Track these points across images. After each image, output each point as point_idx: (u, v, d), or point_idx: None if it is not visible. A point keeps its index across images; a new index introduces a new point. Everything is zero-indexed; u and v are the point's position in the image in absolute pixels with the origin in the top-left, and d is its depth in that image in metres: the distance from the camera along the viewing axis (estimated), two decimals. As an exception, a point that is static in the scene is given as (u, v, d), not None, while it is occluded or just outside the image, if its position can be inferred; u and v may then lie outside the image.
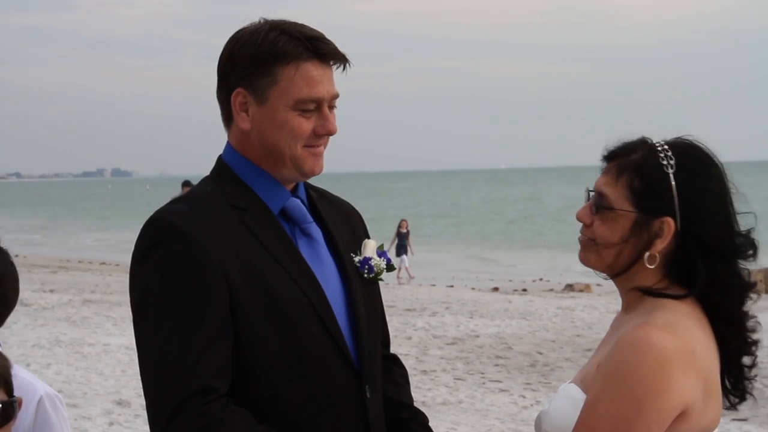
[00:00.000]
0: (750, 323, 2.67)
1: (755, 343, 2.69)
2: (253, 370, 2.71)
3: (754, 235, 2.68)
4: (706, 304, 2.61)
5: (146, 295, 2.70)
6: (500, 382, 13.09)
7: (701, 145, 2.68)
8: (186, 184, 21.24)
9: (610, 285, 2.83)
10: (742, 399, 2.73)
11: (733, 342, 2.64)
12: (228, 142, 2.90)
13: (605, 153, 2.71)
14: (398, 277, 31.05)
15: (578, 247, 2.72)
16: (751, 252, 2.67)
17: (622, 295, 2.72)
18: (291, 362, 2.73)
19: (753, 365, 2.70)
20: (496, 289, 27.58)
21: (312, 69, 2.78)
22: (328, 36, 2.85)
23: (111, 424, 10.06)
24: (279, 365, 2.72)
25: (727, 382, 2.69)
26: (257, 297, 2.70)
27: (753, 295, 2.67)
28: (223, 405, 2.63)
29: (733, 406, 2.73)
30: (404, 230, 32.43)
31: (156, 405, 2.65)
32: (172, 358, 2.63)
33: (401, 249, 32.00)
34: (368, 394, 2.83)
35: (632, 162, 2.65)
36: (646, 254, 2.62)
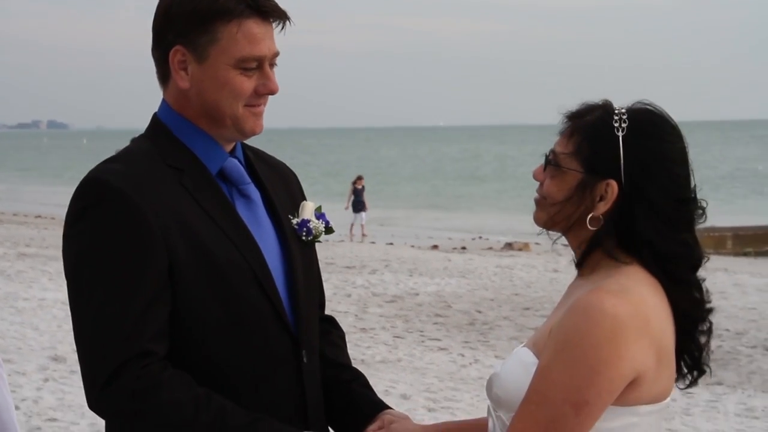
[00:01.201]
0: (702, 295, 2.65)
1: (709, 311, 2.67)
2: (190, 334, 2.66)
3: (700, 196, 2.65)
4: (657, 271, 2.58)
5: (81, 257, 2.63)
6: (439, 340, 13.15)
7: (660, 110, 2.66)
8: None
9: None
10: (701, 373, 2.70)
11: (687, 310, 2.62)
12: (164, 100, 2.82)
13: (565, 114, 2.69)
14: (362, 234, 31.04)
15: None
16: (700, 213, 2.65)
17: (576, 256, 2.69)
18: (229, 326, 2.68)
19: (708, 338, 2.68)
20: (435, 247, 27.68)
21: (254, 26, 2.72)
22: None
23: (46, 380, 9.95)
24: (217, 329, 2.68)
25: (686, 358, 2.67)
26: (196, 259, 2.65)
27: (703, 260, 2.64)
28: (161, 368, 2.58)
29: (693, 382, 2.70)
30: (359, 187, 32.26)
31: (92, 370, 2.59)
32: (109, 322, 2.57)
33: (358, 206, 31.83)
34: (305, 359, 2.81)
35: (585, 123, 2.64)
36: (589, 215, 2.60)
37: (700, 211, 2.65)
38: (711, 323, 2.68)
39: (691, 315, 2.62)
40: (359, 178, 32.95)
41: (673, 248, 2.57)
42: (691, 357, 2.67)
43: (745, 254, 27.46)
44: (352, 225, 31.32)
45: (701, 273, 2.65)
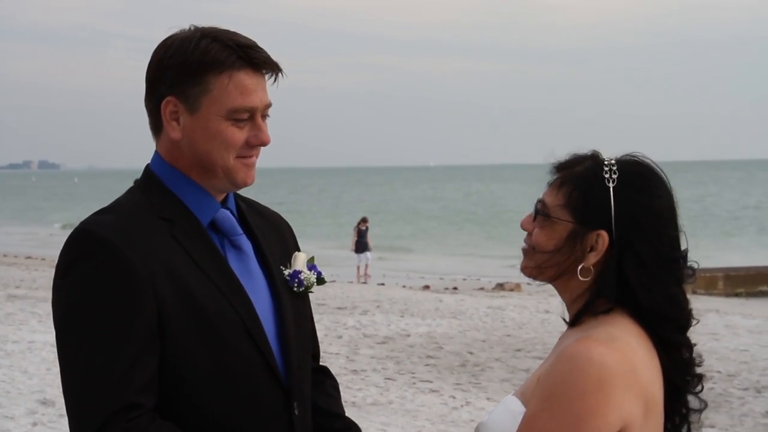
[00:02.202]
0: (692, 354, 2.62)
1: (699, 378, 2.64)
2: (180, 386, 2.64)
3: (689, 256, 2.64)
4: (645, 326, 2.57)
5: (70, 308, 2.61)
6: (431, 382, 13.09)
7: (650, 163, 2.66)
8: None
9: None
10: None
11: (674, 373, 2.60)
12: (156, 152, 2.83)
13: (554, 165, 2.68)
14: (365, 275, 31.11)
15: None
16: (690, 273, 2.64)
17: (567, 308, 2.68)
18: (219, 378, 2.67)
19: (700, 410, 2.65)
20: (426, 287, 27.64)
21: (245, 78, 2.72)
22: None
23: (35, 424, 9.87)
24: (206, 381, 2.66)
25: (669, 427, 2.64)
26: (185, 311, 2.64)
27: (692, 321, 2.62)
28: (148, 420, 2.57)
29: None
30: (363, 228, 32.36)
31: (80, 422, 2.57)
32: (97, 374, 2.55)
33: (362, 246, 31.92)
34: (296, 411, 2.79)
35: (575, 174, 2.64)
36: (580, 266, 2.59)
37: (690, 272, 2.64)
38: (701, 389, 2.64)
39: (677, 380, 2.60)
40: (363, 219, 33.03)
41: (660, 306, 2.56)
42: (673, 424, 2.65)
43: (737, 295, 27.42)
44: (358, 267, 31.45)
45: (688, 336, 2.62)
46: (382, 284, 28.52)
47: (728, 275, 29.01)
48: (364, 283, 29.45)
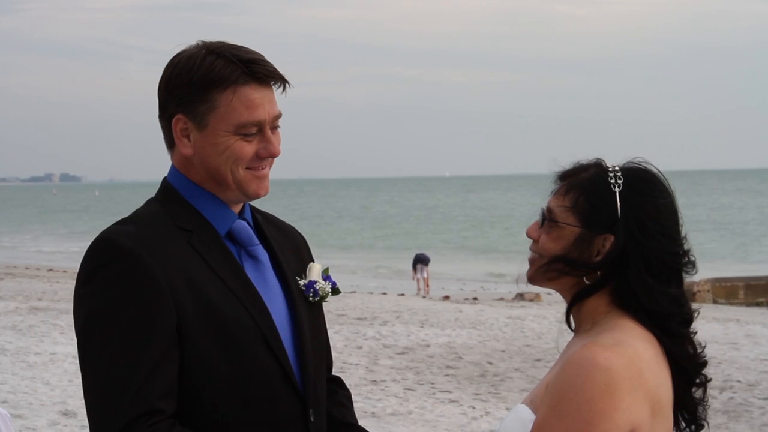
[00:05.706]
0: (695, 347, 2.69)
1: (703, 365, 2.71)
2: (198, 393, 2.69)
3: (692, 254, 2.71)
4: (650, 326, 2.62)
5: (92, 316, 2.67)
6: (450, 392, 13.10)
7: (652, 168, 2.73)
8: None
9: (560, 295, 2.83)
10: (699, 428, 2.73)
11: (683, 364, 2.65)
12: (172, 165, 2.89)
13: (558, 173, 2.73)
14: (425, 288, 31.25)
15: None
16: (692, 270, 2.71)
17: (574, 317, 2.72)
18: (237, 385, 2.71)
19: (704, 392, 2.72)
20: (446, 297, 27.64)
21: (251, 92, 2.77)
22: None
23: (57, 435, 9.92)
24: (225, 388, 2.70)
25: (683, 413, 2.70)
26: (204, 319, 2.69)
27: (694, 314, 2.69)
28: (169, 426, 2.62)
29: None
30: None
31: (100, 428, 2.62)
32: (118, 381, 2.60)
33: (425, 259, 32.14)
34: (312, 419, 2.83)
35: (580, 180, 2.70)
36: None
37: (691, 265, 2.70)
38: (706, 377, 2.71)
39: (686, 369, 2.66)
40: None
41: (662, 304, 2.62)
42: (689, 411, 2.70)
43: (758, 304, 27.30)
44: (422, 278, 31.68)
45: (694, 326, 2.70)
46: (402, 295, 28.52)
47: (749, 284, 28.88)
48: (424, 296, 29.53)
